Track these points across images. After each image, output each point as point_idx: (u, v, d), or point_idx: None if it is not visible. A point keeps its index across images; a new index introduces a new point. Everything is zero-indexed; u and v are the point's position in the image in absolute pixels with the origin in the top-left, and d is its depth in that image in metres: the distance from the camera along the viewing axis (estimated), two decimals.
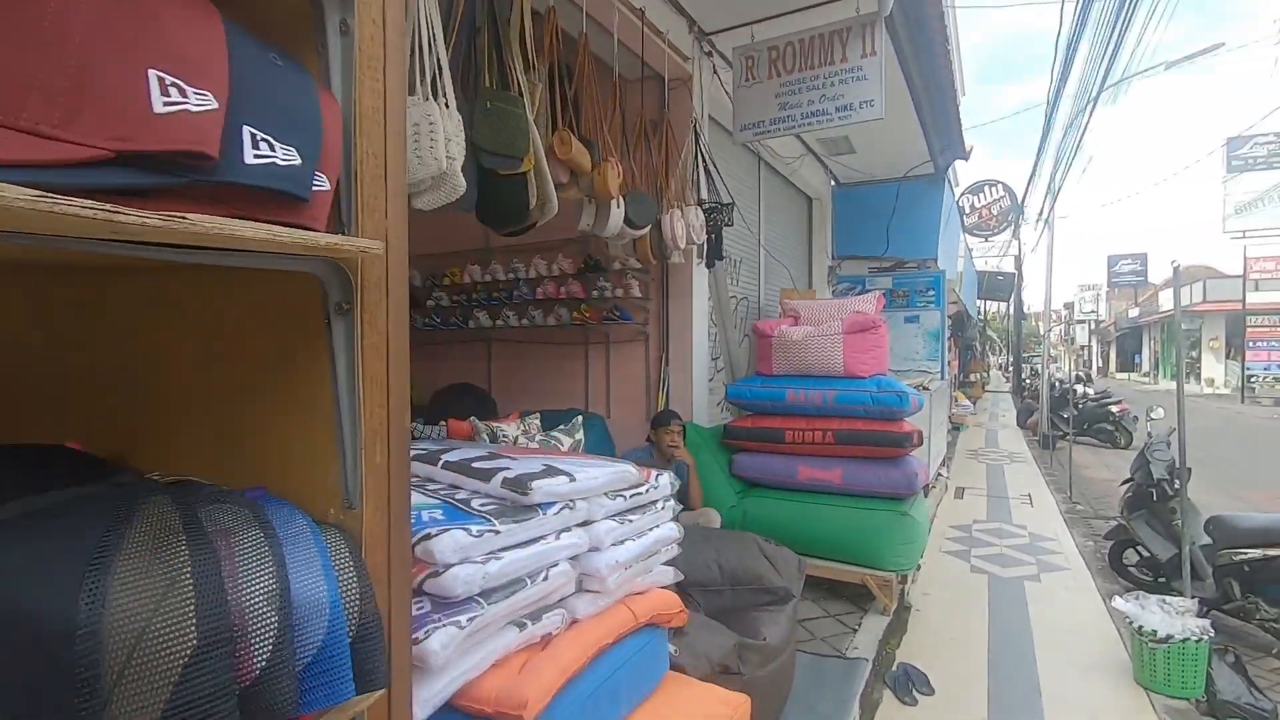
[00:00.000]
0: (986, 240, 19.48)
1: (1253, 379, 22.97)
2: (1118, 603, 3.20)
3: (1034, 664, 3.26)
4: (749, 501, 3.91)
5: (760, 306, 6.24)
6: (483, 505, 1.31)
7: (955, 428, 12.99)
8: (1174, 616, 3.02)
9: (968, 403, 15.14)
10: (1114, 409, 11.80)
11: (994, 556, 4.98)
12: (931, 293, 8.27)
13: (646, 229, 3.45)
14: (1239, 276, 24.17)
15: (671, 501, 1.71)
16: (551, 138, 2.75)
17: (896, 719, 2.82)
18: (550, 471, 1.40)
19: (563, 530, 1.39)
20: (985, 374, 26.74)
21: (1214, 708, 2.93)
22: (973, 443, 11.58)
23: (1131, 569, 4.68)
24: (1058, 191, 12.95)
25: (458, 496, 1.37)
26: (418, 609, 1.11)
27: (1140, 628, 3.03)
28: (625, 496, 1.57)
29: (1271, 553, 3.48)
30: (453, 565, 1.15)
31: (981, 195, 18.44)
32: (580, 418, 3.14)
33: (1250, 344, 23.02)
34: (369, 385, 0.88)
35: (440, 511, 1.26)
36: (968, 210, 17.92)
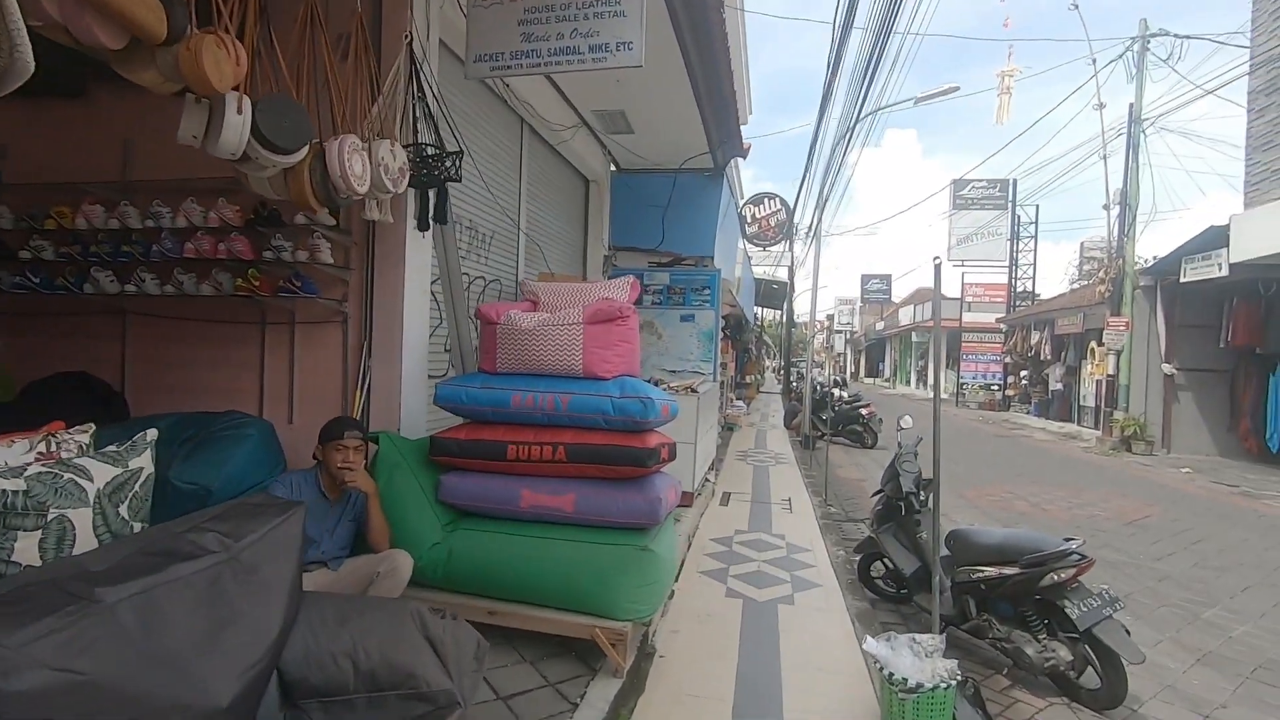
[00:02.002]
0: (765, 250, 20.65)
1: (964, 386, 27.10)
2: (869, 645, 2.80)
3: None
4: (458, 536, 3.00)
5: (516, 292, 5.38)
6: None
7: (729, 427, 13.27)
8: (923, 660, 2.67)
9: (741, 403, 15.69)
10: (864, 412, 12.78)
11: (751, 575, 4.61)
12: (707, 291, 8.01)
13: (299, 156, 2.39)
14: (958, 299, 28.38)
15: None
16: None
17: None
18: None
19: None
20: (760, 376, 28.64)
21: None
22: (743, 443, 11.81)
23: (878, 580, 4.56)
24: (824, 201, 13.77)
25: None
26: None
27: (891, 675, 2.63)
28: None
29: (1006, 570, 3.36)
30: None
31: (761, 206, 19.42)
32: (152, 433, 2.01)
33: (964, 356, 27.12)
34: None
35: None
36: (749, 220, 18.76)
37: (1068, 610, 3.10)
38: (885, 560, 4.42)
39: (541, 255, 5.63)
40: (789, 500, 7.17)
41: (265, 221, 3.37)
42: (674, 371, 8.09)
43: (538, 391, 3.00)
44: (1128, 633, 3.14)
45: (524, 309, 3.34)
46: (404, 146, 3.13)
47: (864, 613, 4.12)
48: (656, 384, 6.59)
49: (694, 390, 6.12)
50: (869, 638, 2.89)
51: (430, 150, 3.29)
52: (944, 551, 4.15)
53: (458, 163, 3.39)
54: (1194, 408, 12.74)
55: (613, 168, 7.88)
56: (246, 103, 2.12)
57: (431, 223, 3.50)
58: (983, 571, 3.48)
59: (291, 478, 2.73)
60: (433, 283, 3.98)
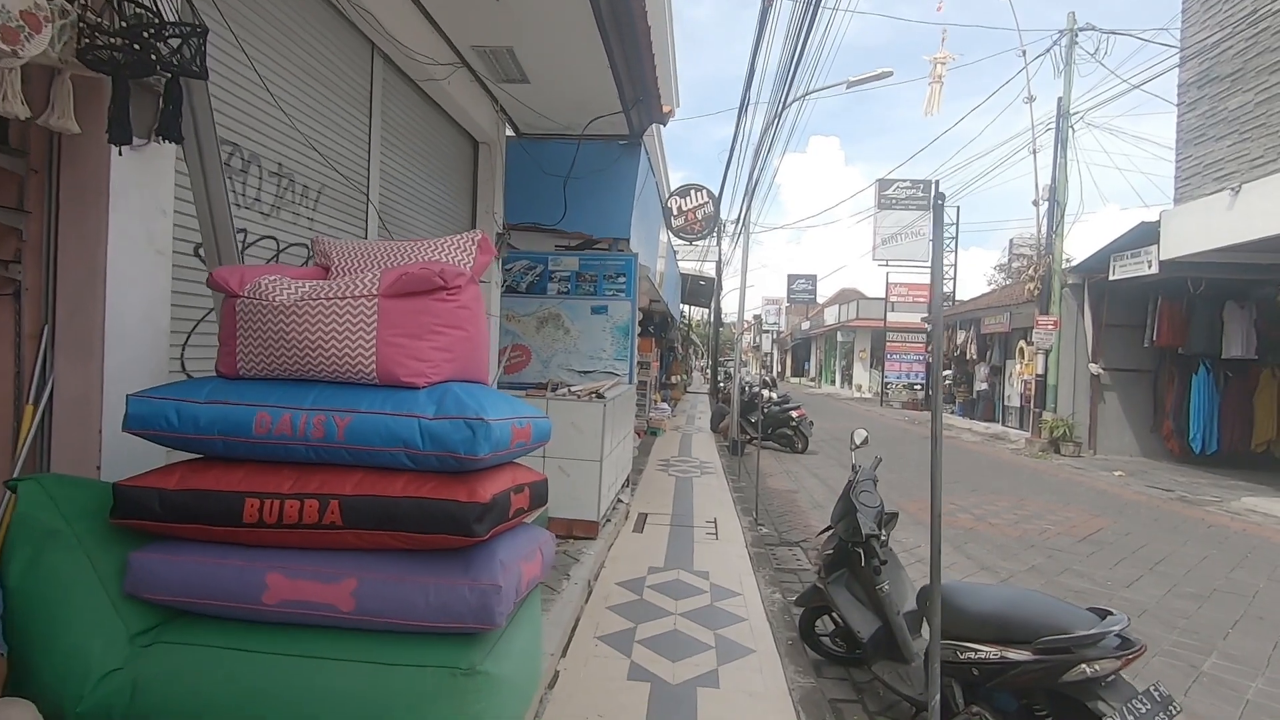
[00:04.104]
0: (691, 244, 19.81)
1: (888, 386, 27.16)
2: None
3: None
4: (155, 656, 1.76)
5: None
6: None
7: (652, 432, 12.28)
8: None
9: (665, 405, 14.73)
10: (794, 414, 12.02)
11: (664, 639, 3.53)
12: (622, 280, 6.93)
13: None
14: (882, 299, 28.48)
15: None
16: None
17: None
18: None
19: None
20: (686, 376, 27.89)
21: None
22: (667, 450, 10.81)
23: (824, 639, 3.58)
24: (753, 189, 13.00)
25: None
26: None
27: None
28: None
29: (1011, 654, 2.40)
30: None
31: (689, 199, 18.50)
32: None
33: (888, 356, 27.18)
34: None
35: None
36: (675, 212, 17.87)
37: None
38: (834, 616, 3.45)
39: (380, 222, 4.30)
40: (714, 522, 6.16)
41: None
42: (585, 372, 6.96)
43: (299, 408, 1.80)
44: None
45: (308, 276, 2.13)
46: None
47: (809, 694, 3.10)
48: (555, 388, 5.44)
49: (600, 395, 5.01)
50: None
51: (144, 14, 2.03)
52: (910, 606, 3.21)
53: (198, 47, 2.13)
54: (1118, 408, 12.62)
55: (510, 132, 6.67)
56: None
57: (160, 142, 2.25)
58: (976, 651, 2.50)
59: None
60: (199, 247, 2.71)
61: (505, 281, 6.91)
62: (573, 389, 5.14)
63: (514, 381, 6.78)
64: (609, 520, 5.38)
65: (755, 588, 4.43)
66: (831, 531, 3.36)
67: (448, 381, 1.95)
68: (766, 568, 4.98)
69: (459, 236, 2.29)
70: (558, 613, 3.57)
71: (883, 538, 3.14)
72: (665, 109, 6.47)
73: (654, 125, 11.69)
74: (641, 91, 5.66)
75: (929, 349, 23.12)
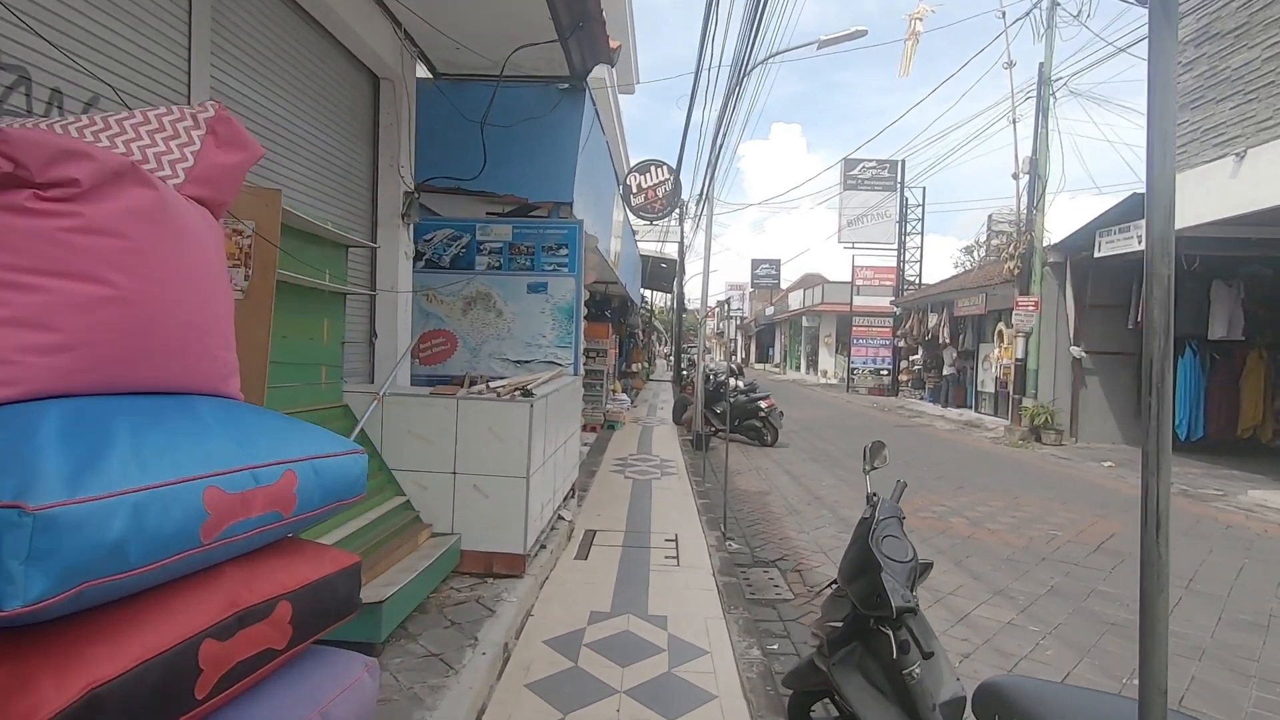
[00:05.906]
0: (652, 224, 18.76)
1: (854, 371, 26.61)
2: None
3: None
4: None
5: None
6: None
7: (610, 426, 11.25)
8: None
9: (624, 397, 13.70)
10: (763, 405, 11.11)
11: None
12: (564, 251, 5.83)
13: None
14: (847, 282, 27.85)
15: None
16: None
17: None
18: None
19: None
20: (648, 364, 26.91)
21: None
22: (624, 447, 9.78)
23: None
24: (716, 158, 12.00)
25: None
26: None
27: None
28: None
29: None
30: None
31: (648, 175, 17.41)
32: None
33: (854, 341, 26.58)
34: None
35: None
36: (635, 190, 16.79)
37: None
38: (837, 701, 2.46)
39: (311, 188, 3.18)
40: (675, 540, 5.15)
41: None
42: (522, 362, 5.87)
43: None
44: None
45: None
46: None
47: None
48: (472, 384, 4.32)
49: (527, 392, 3.92)
50: None
51: None
52: (951, 694, 2.22)
53: None
54: (1100, 393, 12.01)
55: (426, 73, 5.50)
56: None
57: None
58: None
59: None
60: None
61: (424, 254, 5.76)
62: (492, 385, 4.03)
63: (434, 374, 5.66)
64: (543, 547, 4.32)
65: (726, 640, 3.42)
66: (836, 588, 2.35)
67: (45, 399, 0.85)
68: (739, 605, 3.99)
69: (163, 110, 1.18)
70: (449, 710, 2.49)
71: (915, 605, 2.14)
72: (614, 44, 5.37)
73: (613, 99, 10.50)
74: (580, 13, 4.55)
75: (900, 332, 22.49)
